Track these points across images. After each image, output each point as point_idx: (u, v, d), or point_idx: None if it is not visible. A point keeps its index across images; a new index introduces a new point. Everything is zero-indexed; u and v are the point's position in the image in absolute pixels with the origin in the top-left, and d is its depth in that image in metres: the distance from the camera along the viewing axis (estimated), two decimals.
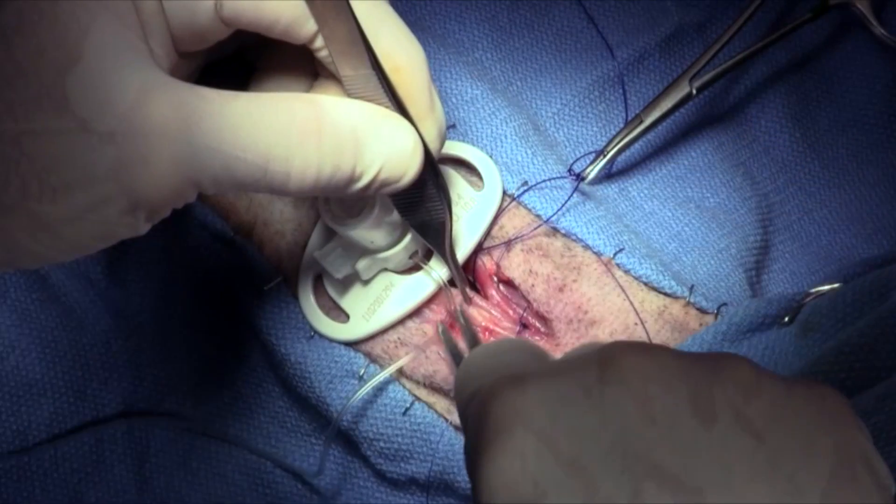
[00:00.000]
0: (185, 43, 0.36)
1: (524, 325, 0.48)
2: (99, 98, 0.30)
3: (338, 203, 0.44)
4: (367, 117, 0.36)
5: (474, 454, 0.29)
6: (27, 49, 0.29)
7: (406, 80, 0.37)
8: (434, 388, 0.47)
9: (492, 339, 0.48)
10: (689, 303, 0.47)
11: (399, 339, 0.48)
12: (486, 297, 0.49)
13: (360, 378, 0.48)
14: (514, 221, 0.48)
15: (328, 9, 0.35)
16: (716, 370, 0.28)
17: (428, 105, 0.39)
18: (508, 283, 0.48)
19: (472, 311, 0.48)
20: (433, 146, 0.40)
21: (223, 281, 0.52)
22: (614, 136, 0.51)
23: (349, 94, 0.37)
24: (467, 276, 0.49)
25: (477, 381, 0.31)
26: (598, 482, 0.26)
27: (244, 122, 0.33)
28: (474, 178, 0.49)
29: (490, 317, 0.48)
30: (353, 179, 0.36)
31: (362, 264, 0.46)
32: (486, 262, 0.48)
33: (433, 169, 0.41)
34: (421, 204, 0.43)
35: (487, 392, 0.29)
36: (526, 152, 0.50)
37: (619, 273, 0.47)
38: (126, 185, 0.31)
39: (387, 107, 0.37)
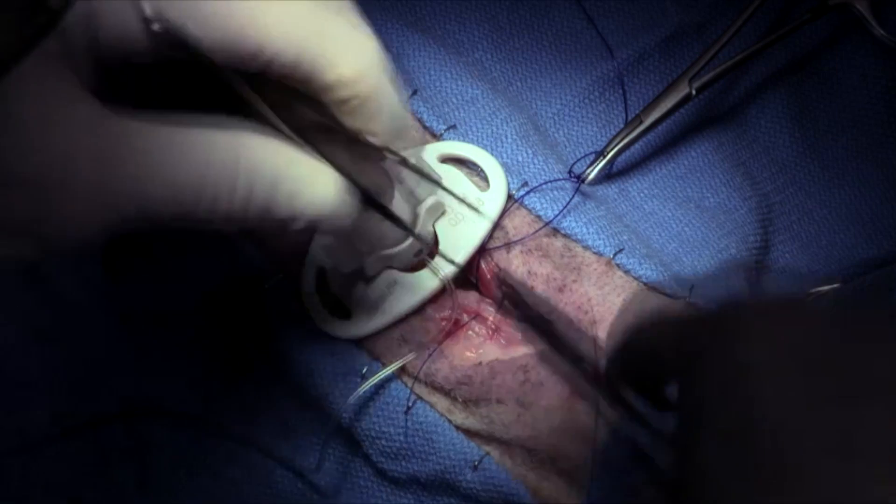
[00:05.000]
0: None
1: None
2: (19, 149, 0.30)
3: None
4: (288, 166, 0.35)
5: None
6: None
7: (356, 97, 0.36)
8: (435, 387, 0.47)
9: (498, 338, 0.48)
10: (689, 303, 0.47)
11: (402, 336, 0.48)
12: (489, 297, 0.49)
13: (362, 376, 0.48)
14: (515, 222, 0.48)
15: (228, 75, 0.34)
16: None
17: (377, 110, 0.37)
18: (510, 284, 0.48)
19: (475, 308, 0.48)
20: (386, 143, 0.38)
21: (224, 279, 0.52)
22: (614, 137, 0.51)
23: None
24: (470, 277, 0.49)
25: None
26: (829, 413, 0.27)
27: (164, 171, 0.32)
28: (479, 180, 0.49)
29: (493, 317, 0.48)
30: (272, 219, 0.36)
31: (367, 260, 0.46)
32: (489, 263, 0.48)
33: (381, 208, 0.41)
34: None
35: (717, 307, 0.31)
36: (527, 152, 0.50)
37: (618, 273, 0.47)
38: (40, 232, 0.31)
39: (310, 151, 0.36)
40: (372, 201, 0.39)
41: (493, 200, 0.48)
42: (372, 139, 0.37)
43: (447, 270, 0.47)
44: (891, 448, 0.26)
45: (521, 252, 0.48)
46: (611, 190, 0.52)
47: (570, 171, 0.50)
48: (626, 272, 0.47)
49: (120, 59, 0.33)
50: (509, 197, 0.49)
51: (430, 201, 0.46)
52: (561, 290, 0.47)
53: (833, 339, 0.29)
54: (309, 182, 0.36)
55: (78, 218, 0.31)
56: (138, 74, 0.35)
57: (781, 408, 0.28)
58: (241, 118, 0.36)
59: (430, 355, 0.47)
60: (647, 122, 0.51)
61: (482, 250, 0.48)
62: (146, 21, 0.31)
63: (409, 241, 0.45)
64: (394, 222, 0.42)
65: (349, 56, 0.35)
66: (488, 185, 0.49)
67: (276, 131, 0.36)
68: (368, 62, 0.35)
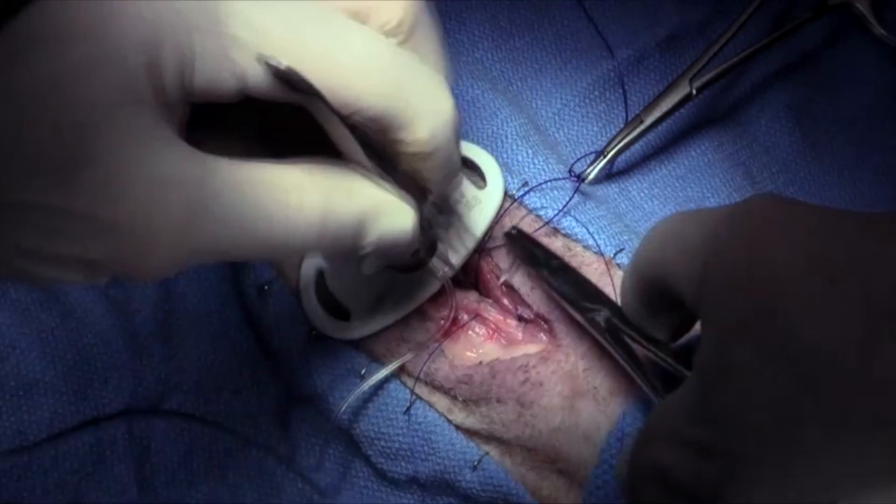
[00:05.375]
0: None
1: (527, 322, 0.48)
2: (108, 190, 0.30)
3: None
4: (374, 206, 0.37)
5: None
6: (43, 124, 0.29)
7: (427, 162, 0.38)
8: (435, 386, 0.47)
9: (498, 338, 0.48)
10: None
11: (401, 336, 0.48)
12: (489, 296, 0.49)
13: (362, 377, 0.48)
14: (515, 221, 0.48)
15: (318, 107, 0.34)
16: None
17: (442, 175, 0.39)
18: (510, 284, 0.48)
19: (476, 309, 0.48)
20: (439, 198, 0.41)
21: (223, 280, 0.52)
22: (614, 137, 0.51)
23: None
24: (469, 277, 0.49)
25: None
26: (849, 304, 0.27)
27: (249, 222, 0.33)
28: (477, 178, 0.49)
29: (493, 317, 0.48)
30: (350, 251, 0.38)
31: (365, 260, 0.46)
32: (488, 263, 0.48)
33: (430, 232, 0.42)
34: None
35: (747, 203, 0.31)
36: (527, 152, 0.50)
37: (618, 273, 0.47)
38: (117, 268, 0.32)
39: (389, 187, 0.38)
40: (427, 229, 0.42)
41: (490, 199, 0.48)
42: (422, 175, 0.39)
43: (446, 270, 0.47)
44: None
45: None
46: (611, 190, 0.52)
47: (570, 171, 0.50)
48: None
49: (206, 99, 0.34)
50: (510, 197, 0.49)
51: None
52: None
53: (855, 240, 0.29)
54: (392, 221, 0.38)
55: (158, 262, 0.32)
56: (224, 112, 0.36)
57: (807, 315, 0.28)
58: (316, 156, 0.37)
59: (431, 354, 0.47)
60: (648, 121, 0.50)
61: (482, 250, 0.48)
62: (265, 62, 0.32)
63: None
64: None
65: (427, 120, 0.36)
66: (486, 184, 0.49)
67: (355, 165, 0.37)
68: (443, 125, 0.37)
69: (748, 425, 0.29)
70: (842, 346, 0.27)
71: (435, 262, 0.46)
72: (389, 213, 0.38)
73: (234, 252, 0.34)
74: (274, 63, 0.32)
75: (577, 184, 0.49)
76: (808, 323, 0.28)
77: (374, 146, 0.37)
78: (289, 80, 0.33)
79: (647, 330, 0.41)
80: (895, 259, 0.28)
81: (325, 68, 0.34)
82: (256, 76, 0.33)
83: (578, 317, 0.44)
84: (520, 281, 0.48)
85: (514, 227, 0.47)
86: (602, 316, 0.43)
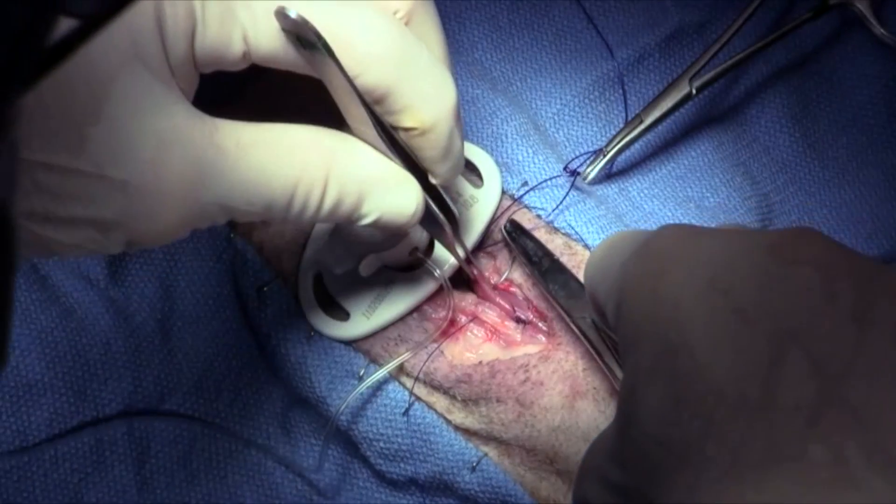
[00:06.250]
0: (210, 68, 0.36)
1: (525, 323, 0.48)
2: (117, 148, 0.31)
3: None
4: (378, 174, 0.37)
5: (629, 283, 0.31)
6: (53, 85, 0.29)
7: (426, 140, 0.38)
8: (434, 386, 0.47)
9: (497, 339, 0.48)
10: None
11: (399, 335, 0.48)
12: (486, 298, 0.48)
13: (360, 378, 0.48)
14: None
15: (327, 66, 0.34)
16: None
17: (442, 156, 0.39)
18: (508, 286, 0.48)
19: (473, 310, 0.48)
20: (443, 183, 0.41)
21: (223, 281, 0.52)
22: (614, 136, 0.51)
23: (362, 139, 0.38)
24: (467, 277, 0.49)
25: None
26: (752, 333, 0.27)
27: (256, 177, 0.34)
28: (474, 177, 0.49)
29: (491, 319, 0.48)
30: (350, 219, 0.38)
31: (363, 261, 0.46)
32: (486, 264, 0.48)
33: (436, 215, 0.42)
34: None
35: (655, 235, 0.31)
36: (526, 152, 0.50)
37: None
38: (129, 229, 0.33)
39: (394, 160, 0.38)
40: (431, 216, 0.42)
41: (487, 198, 0.48)
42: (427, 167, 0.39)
43: (444, 269, 0.47)
44: (807, 405, 0.25)
45: None
46: (611, 190, 0.52)
47: (565, 168, 0.50)
48: None
49: (213, 65, 0.35)
50: (509, 196, 0.49)
51: None
52: None
53: (761, 265, 0.29)
54: (394, 196, 0.38)
55: (168, 220, 0.33)
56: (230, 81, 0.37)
57: (710, 350, 0.28)
58: (324, 125, 0.37)
59: (430, 355, 0.47)
60: (648, 121, 0.50)
61: (481, 249, 0.48)
62: (282, 15, 0.32)
63: (405, 239, 0.45)
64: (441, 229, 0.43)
65: (430, 105, 0.37)
66: (483, 183, 0.49)
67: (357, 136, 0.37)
68: (445, 113, 0.37)
69: (657, 469, 0.28)
70: (744, 378, 0.27)
71: (433, 261, 0.46)
72: (394, 184, 0.38)
73: (239, 210, 0.35)
74: (287, 13, 0.32)
75: (573, 179, 0.49)
76: (712, 359, 0.27)
77: (376, 124, 0.37)
78: (300, 33, 0.33)
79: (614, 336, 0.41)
80: (799, 280, 0.28)
81: (333, 30, 0.34)
82: (263, 38, 0.34)
83: (567, 318, 0.44)
84: (519, 277, 0.48)
85: (509, 222, 0.47)
86: (589, 318, 0.43)
